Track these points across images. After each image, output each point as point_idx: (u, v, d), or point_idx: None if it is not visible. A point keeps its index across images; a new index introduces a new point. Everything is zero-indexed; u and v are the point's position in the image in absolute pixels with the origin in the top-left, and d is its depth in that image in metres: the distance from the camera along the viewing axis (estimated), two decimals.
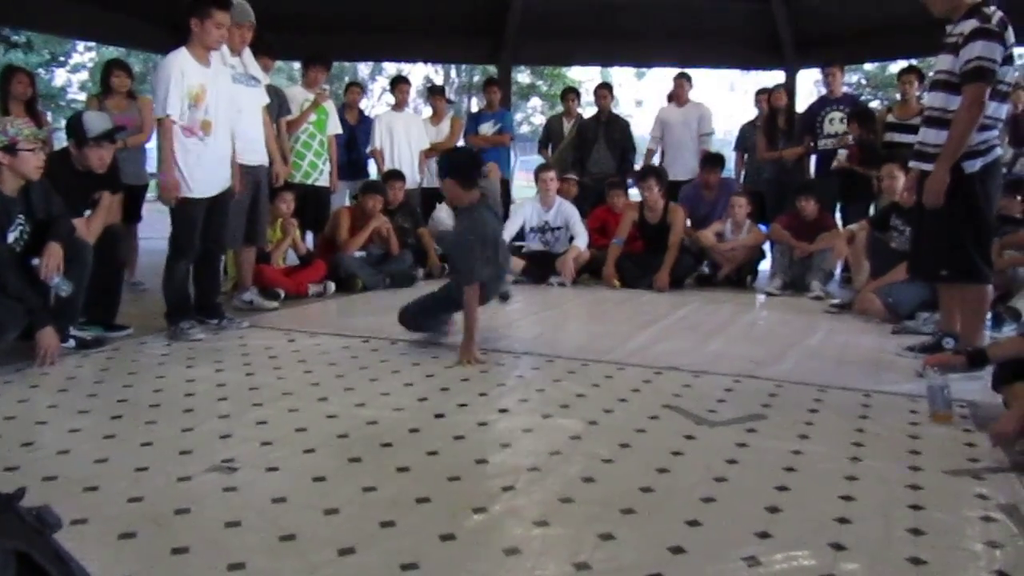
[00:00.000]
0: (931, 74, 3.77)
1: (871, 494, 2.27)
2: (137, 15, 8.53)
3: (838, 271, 6.64)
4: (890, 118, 6.60)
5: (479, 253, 3.90)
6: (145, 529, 1.99)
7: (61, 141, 6.30)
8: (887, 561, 1.89)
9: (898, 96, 6.94)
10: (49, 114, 9.35)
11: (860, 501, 2.22)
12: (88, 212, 4.19)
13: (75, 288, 3.72)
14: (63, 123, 4.78)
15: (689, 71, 8.02)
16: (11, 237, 3.60)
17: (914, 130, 4.25)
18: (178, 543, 1.92)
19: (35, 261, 3.59)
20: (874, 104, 19.90)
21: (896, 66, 11.28)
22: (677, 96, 7.80)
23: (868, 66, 20.17)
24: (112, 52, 14.50)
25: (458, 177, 4.00)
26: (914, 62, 7.60)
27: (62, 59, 21.88)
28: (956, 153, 3.46)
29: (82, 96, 20.16)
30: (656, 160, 7.85)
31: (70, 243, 3.74)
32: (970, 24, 3.40)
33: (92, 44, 20.08)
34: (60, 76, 22.36)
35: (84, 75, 22.37)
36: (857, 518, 2.11)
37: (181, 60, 4.07)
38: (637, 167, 7.74)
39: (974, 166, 3.50)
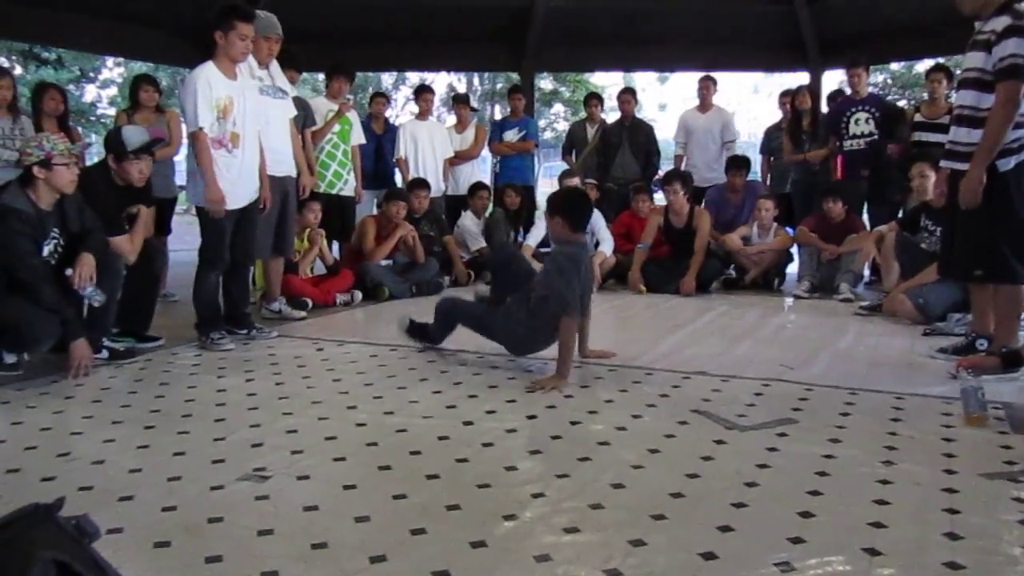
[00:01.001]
0: (960, 72, 3.73)
1: (905, 498, 2.24)
2: (164, 30, 8.66)
3: (866, 273, 6.57)
4: (918, 117, 6.53)
5: (575, 284, 3.58)
6: (179, 538, 2.02)
7: (93, 157, 6.42)
8: (923, 566, 1.86)
9: (925, 95, 6.86)
10: (80, 129, 9.50)
11: (894, 505, 2.19)
12: (128, 227, 4.24)
13: (107, 299, 3.77)
14: (94, 138, 4.86)
15: (713, 74, 7.99)
16: (45, 250, 3.66)
17: (943, 129, 4.21)
18: (212, 551, 1.93)
19: (68, 271, 3.65)
20: (901, 103, 19.70)
21: (923, 65, 11.17)
22: (702, 100, 7.76)
23: (894, 65, 19.94)
24: (140, 67, 14.71)
25: (568, 217, 3.71)
26: (941, 60, 7.50)
27: (91, 75, 22.21)
28: (992, 152, 3.42)
29: (112, 111, 20.47)
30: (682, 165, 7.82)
31: (103, 254, 3.80)
32: (1003, 21, 3.36)
33: (121, 60, 20.36)
34: (90, 92, 22.68)
35: (113, 90, 22.67)
36: (891, 522, 2.08)
37: (207, 73, 4.12)
38: (661, 172, 7.72)
39: (1008, 164, 3.46)
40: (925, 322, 4.75)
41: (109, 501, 2.25)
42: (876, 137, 6.57)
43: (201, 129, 4.08)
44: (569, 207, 3.75)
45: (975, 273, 3.69)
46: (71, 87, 19.55)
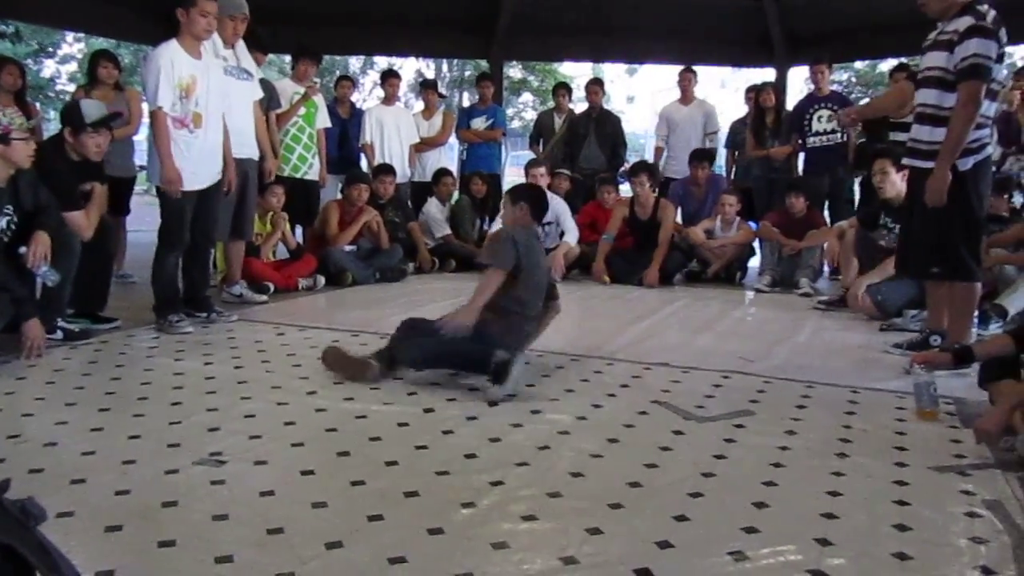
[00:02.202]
0: (921, 71, 3.78)
1: (857, 490, 2.29)
2: (126, 6, 8.48)
3: (826, 267, 6.66)
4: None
5: (515, 252, 3.45)
6: (132, 522, 1.99)
7: (50, 132, 6.28)
8: (872, 556, 1.90)
9: None
10: (38, 105, 9.28)
11: (846, 497, 2.23)
12: (83, 203, 4.15)
13: (62, 278, 3.70)
14: (52, 114, 4.75)
15: (677, 66, 8.01)
16: None
17: (906, 128, 4.26)
18: (165, 536, 1.91)
19: (22, 249, 3.57)
20: (863, 102, 19.96)
21: (886, 64, 11.32)
22: (683, 92, 7.78)
23: (858, 64, 20.22)
24: (101, 43, 14.41)
25: (531, 206, 3.77)
26: (904, 60, 7.62)
27: (51, 50, 21.75)
28: (955, 151, 3.47)
29: (71, 87, 20.06)
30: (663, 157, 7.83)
31: (58, 233, 3.72)
32: (965, 21, 3.41)
33: (81, 35, 19.95)
34: (49, 67, 22.23)
35: (73, 66, 22.23)
36: (843, 513, 2.12)
37: (171, 51, 4.04)
38: (628, 164, 7.74)
39: (966, 164, 3.52)
40: (882, 318, 4.82)
41: (60, 484, 2.21)
42: (841, 136, 6.66)
43: (160, 108, 4.01)
44: (535, 198, 3.85)
45: (932, 270, 3.76)
46: (29, 62, 19.12)
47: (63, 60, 22.56)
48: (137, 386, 3.23)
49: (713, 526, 2.04)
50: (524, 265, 3.45)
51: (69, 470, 2.31)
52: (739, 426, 2.85)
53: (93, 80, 5.79)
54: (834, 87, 7.60)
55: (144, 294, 4.59)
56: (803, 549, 1.91)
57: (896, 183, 4.79)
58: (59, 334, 3.87)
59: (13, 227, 3.65)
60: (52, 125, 9.44)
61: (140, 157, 6.41)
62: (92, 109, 4.15)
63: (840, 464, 2.48)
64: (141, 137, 6.19)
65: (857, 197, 7.06)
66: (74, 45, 22.06)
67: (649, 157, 7.90)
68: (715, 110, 7.87)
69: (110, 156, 4.43)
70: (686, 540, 1.95)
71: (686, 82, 7.75)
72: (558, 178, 7.19)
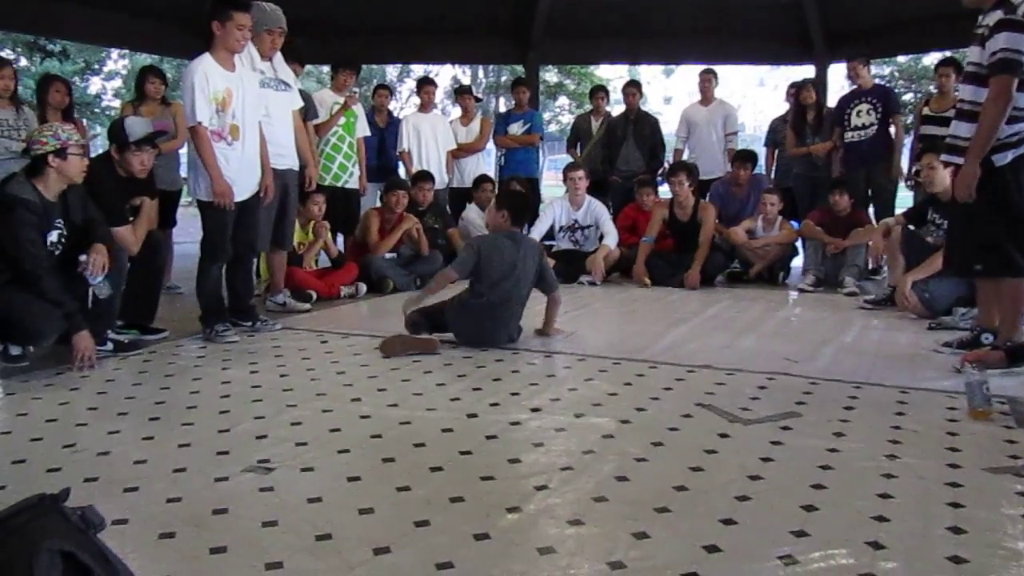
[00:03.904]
0: (965, 66, 3.72)
1: (909, 492, 2.24)
2: (169, 22, 8.66)
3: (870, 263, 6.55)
4: (926, 111, 6.51)
5: (475, 260, 4.09)
6: (184, 529, 2.02)
7: (98, 149, 6.42)
8: (926, 560, 1.86)
9: (932, 88, 6.84)
10: (85, 121, 9.49)
11: (898, 499, 2.19)
12: (131, 218, 4.25)
13: (113, 292, 3.79)
14: (99, 130, 4.85)
15: (717, 66, 7.97)
16: (49, 240, 3.67)
17: (944, 122, 4.20)
18: (216, 543, 1.94)
19: (83, 257, 3.65)
20: (907, 97, 19.62)
21: (930, 58, 11.12)
22: (703, 93, 7.75)
23: (901, 58, 19.87)
24: (145, 59, 14.72)
25: (512, 214, 4.29)
26: (949, 53, 7.47)
27: (96, 67, 22.24)
28: (985, 147, 3.41)
29: (116, 103, 20.51)
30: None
31: (109, 247, 3.80)
32: (995, 15, 3.36)
33: (125, 52, 20.38)
34: (95, 84, 22.74)
35: (118, 82, 22.72)
36: (895, 516, 2.08)
37: (204, 66, 4.10)
38: (666, 165, 7.70)
39: (1005, 159, 3.44)
40: (930, 316, 4.74)
41: (114, 492, 2.26)
42: (876, 128, 6.57)
43: (200, 123, 4.07)
44: (517, 207, 4.36)
45: (975, 268, 3.69)
46: (76, 79, 19.57)
47: (108, 77, 23.07)
48: (186, 395, 3.29)
49: (762, 530, 2.01)
50: (482, 270, 4.06)
51: (123, 478, 2.36)
52: (786, 428, 2.81)
53: (141, 95, 5.92)
54: (877, 81, 7.47)
55: (191, 305, 4.67)
56: (855, 553, 1.88)
57: (944, 178, 4.69)
58: (109, 345, 3.96)
59: (63, 241, 3.74)
60: (99, 140, 9.65)
61: (185, 170, 6.53)
62: (136, 127, 4.22)
63: (891, 466, 2.44)
64: (185, 150, 6.30)
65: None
66: (119, 62, 22.54)
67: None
68: (735, 111, 7.83)
69: (156, 169, 4.52)
70: (734, 544, 1.93)
71: (706, 83, 7.71)
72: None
